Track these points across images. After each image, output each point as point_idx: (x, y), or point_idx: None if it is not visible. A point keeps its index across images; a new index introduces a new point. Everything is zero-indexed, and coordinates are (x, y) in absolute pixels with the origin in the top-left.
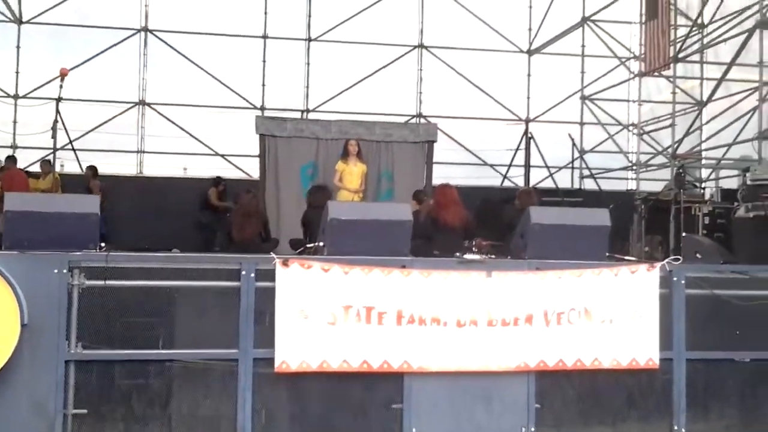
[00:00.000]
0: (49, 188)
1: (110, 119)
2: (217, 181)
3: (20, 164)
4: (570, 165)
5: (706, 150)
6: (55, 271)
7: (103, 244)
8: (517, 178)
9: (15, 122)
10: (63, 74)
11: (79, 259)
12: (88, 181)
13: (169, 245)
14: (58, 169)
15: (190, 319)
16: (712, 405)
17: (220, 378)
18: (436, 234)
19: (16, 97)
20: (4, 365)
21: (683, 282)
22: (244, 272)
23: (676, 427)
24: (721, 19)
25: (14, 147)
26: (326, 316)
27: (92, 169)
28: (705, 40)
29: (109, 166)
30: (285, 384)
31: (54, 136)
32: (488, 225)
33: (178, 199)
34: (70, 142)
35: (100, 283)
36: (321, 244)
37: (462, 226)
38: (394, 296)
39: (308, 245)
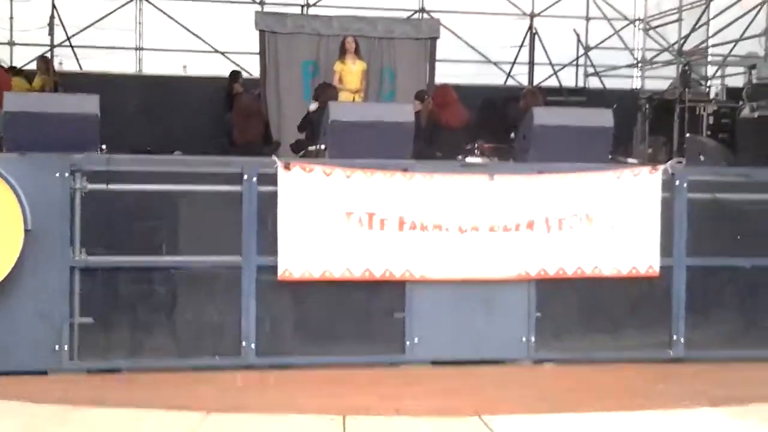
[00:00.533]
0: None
1: (108, 14)
2: (237, 75)
3: (17, 62)
4: (574, 62)
5: (712, 46)
6: (57, 174)
7: (103, 147)
8: (520, 76)
9: (11, 18)
10: None
11: (80, 161)
12: (232, 86)
13: (171, 147)
14: (56, 66)
15: (193, 224)
16: (711, 312)
17: (224, 284)
18: (437, 136)
19: None
20: (8, 273)
21: (686, 185)
22: (245, 177)
23: (675, 336)
24: None
25: (11, 44)
26: (329, 222)
27: (235, 74)
28: None
29: (107, 63)
30: (288, 292)
31: (51, 33)
32: (491, 125)
33: (178, 98)
34: (68, 38)
35: (103, 186)
36: (322, 146)
37: (463, 127)
38: (396, 201)
39: (310, 148)
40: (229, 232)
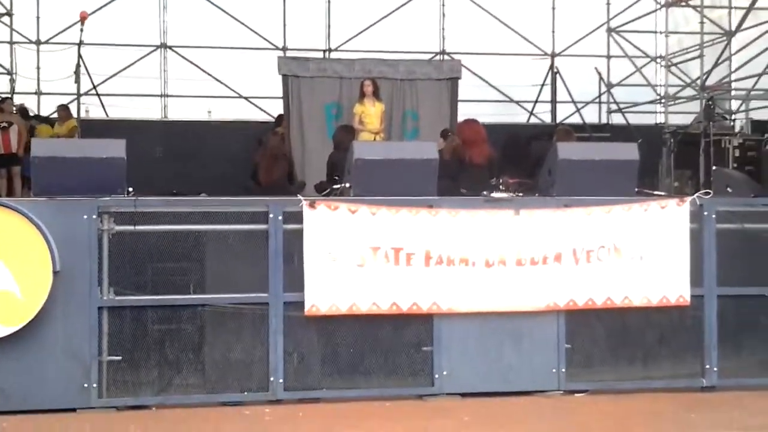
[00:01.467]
0: (67, 135)
1: (133, 63)
2: (281, 118)
3: (44, 111)
4: (597, 99)
5: (735, 81)
6: (85, 216)
7: (131, 189)
8: (543, 114)
9: (38, 68)
10: (83, 18)
11: (108, 204)
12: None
13: (197, 189)
14: (83, 114)
15: (220, 263)
16: (744, 341)
17: (251, 322)
18: (462, 173)
19: (38, 42)
20: (38, 313)
21: (714, 216)
22: (271, 215)
23: (708, 365)
24: None
25: (38, 93)
26: (354, 257)
27: (280, 117)
28: None
29: (133, 110)
30: (315, 327)
31: (77, 81)
32: (514, 162)
33: (203, 142)
34: (94, 86)
35: (130, 228)
36: (347, 185)
37: (488, 164)
38: (421, 237)
39: (334, 186)
40: (256, 270)
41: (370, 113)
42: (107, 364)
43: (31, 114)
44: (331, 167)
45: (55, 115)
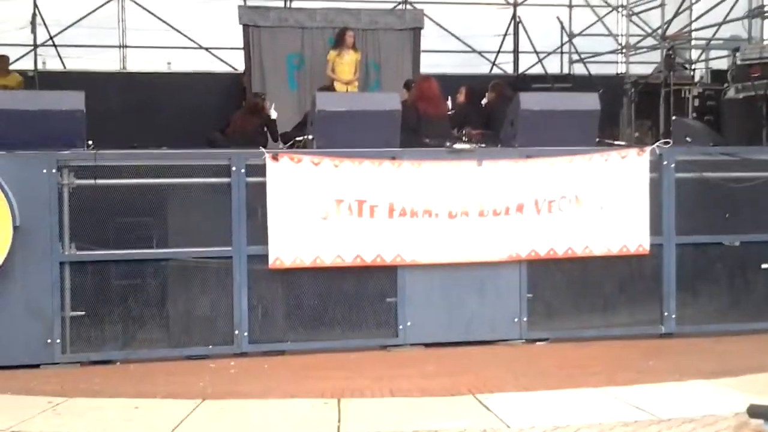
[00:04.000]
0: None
1: (90, 12)
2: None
3: None
4: (559, 50)
5: (695, 30)
6: (44, 170)
7: (90, 142)
8: (505, 65)
9: None
10: None
11: (67, 157)
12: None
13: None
14: (39, 65)
15: (183, 217)
16: (701, 289)
17: (215, 276)
18: (423, 124)
19: None
20: None
21: (673, 166)
22: (234, 168)
23: (666, 312)
24: None
25: None
26: (318, 210)
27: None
28: None
29: (91, 62)
30: (280, 280)
31: (33, 32)
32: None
33: (163, 95)
34: (51, 37)
35: (90, 182)
36: (310, 137)
37: (442, 117)
38: (385, 189)
39: (297, 138)
40: (219, 224)
41: (344, 61)
42: (70, 319)
43: None
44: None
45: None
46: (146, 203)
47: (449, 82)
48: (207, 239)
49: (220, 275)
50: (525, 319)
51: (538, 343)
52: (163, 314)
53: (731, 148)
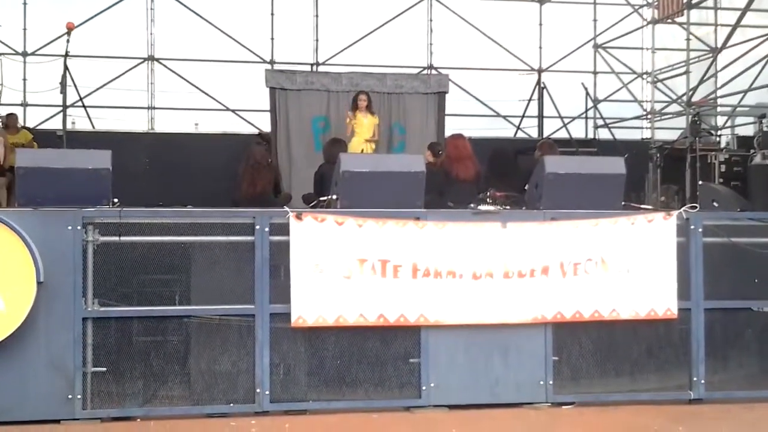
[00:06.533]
0: (25, 144)
1: (120, 75)
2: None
3: (30, 122)
4: (584, 115)
5: (721, 97)
6: (69, 227)
7: (116, 200)
8: (530, 129)
9: (24, 80)
10: (69, 28)
11: (92, 215)
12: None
13: (183, 201)
14: (69, 126)
15: (206, 274)
16: (731, 355)
17: (237, 333)
18: (449, 187)
19: (24, 54)
20: (21, 324)
21: (700, 230)
22: (257, 226)
23: (695, 378)
24: None
25: (24, 105)
26: (341, 269)
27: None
28: None
29: (119, 122)
30: (302, 338)
31: (63, 92)
32: (501, 176)
33: (190, 155)
34: (80, 99)
35: (115, 239)
36: (334, 197)
37: (475, 180)
38: (409, 249)
39: (321, 198)
40: (242, 282)
41: (362, 123)
42: (92, 375)
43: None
44: (320, 180)
45: (40, 127)
46: (170, 260)
47: (474, 145)
48: (230, 297)
49: (242, 333)
50: (551, 382)
51: (563, 407)
52: (184, 371)
53: (759, 213)
